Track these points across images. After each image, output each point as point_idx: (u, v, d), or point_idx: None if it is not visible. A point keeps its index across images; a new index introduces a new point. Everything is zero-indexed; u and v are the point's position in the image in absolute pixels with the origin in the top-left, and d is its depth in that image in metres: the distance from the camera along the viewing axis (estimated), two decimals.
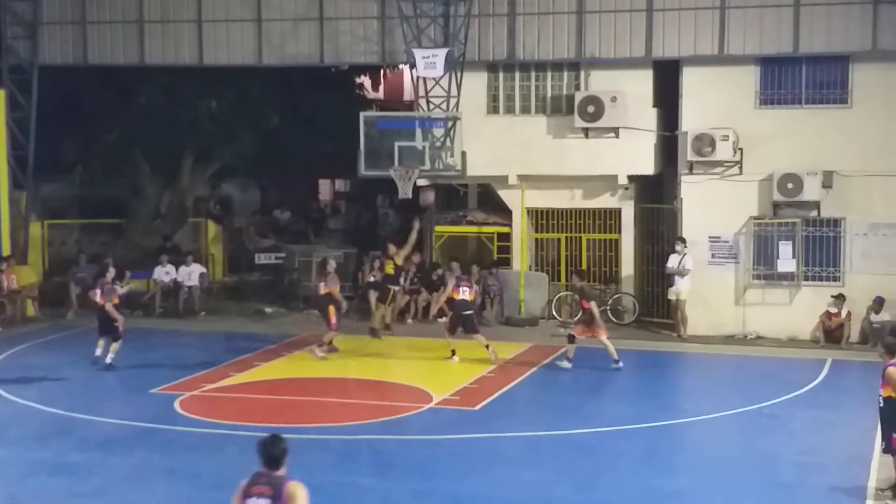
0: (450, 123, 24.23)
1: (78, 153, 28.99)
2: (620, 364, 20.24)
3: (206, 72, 27.36)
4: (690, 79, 24.08)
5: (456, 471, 14.30)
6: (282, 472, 8.53)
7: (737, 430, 16.89)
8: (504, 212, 26.13)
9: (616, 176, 24.84)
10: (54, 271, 28.27)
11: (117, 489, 13.62)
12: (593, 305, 20.39)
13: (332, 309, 21.32)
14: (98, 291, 20.34)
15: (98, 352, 20.16)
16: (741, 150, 23.60)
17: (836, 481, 13.78)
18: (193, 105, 28.72)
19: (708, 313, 23.79)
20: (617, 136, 24.59)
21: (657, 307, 25.19)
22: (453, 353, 20.97)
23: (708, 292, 23.75)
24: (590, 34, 24.31)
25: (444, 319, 21.89)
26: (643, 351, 22.83)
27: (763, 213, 23.77)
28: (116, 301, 20.21)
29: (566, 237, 25.81)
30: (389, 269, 23.42)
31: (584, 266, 25.47)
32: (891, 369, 12.87)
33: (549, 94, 25.22)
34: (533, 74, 25.27)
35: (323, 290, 21.71)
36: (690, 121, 23.94)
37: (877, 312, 22.71)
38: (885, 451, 13.29)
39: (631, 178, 24.96)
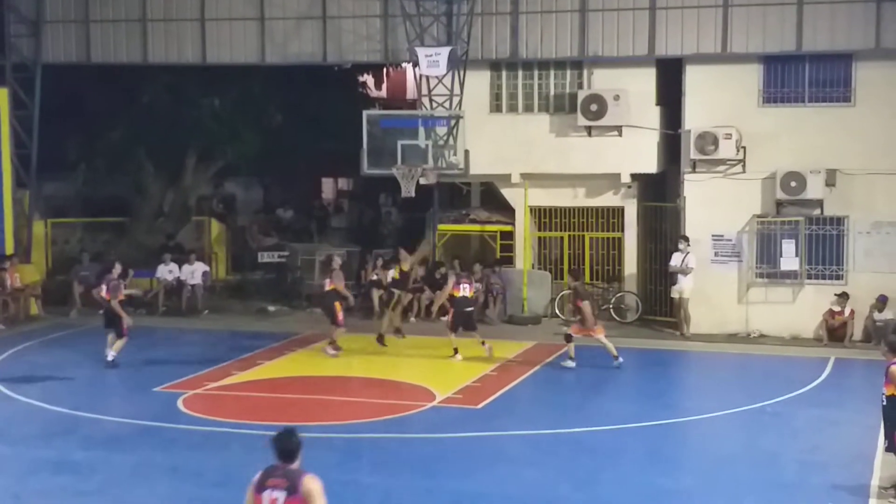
0: (453, 122, 24.24)
1: (81, 152, 29.01)
2: (621, 360, 20.24)
3: (210, 70, 27.38)
4: (693, 77, 24.07)
5: (458, 469, 14.31)
6: (296, 465, 8.60)
7: (739, 429, 16.89)
8: (507, 210, 26.13)
9: (619, 174, 24.83)
10: (57, 270, 28.31)
11: (120, 487, 13.63)
12: (585, 305, 20.37)
13: (338, 305, 21.38)
14: (104, 287, 20.45)
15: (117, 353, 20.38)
16: (744, 148, 23.59)
17: (838, 480, 13.77)
18: (196, 104, 28.75)
19: (711, 312, 23.78)
20: (620, 135, 24.59)
21: (660, 306, 25.18)
22: (456, 351, 20.98)
23: (711, 291, 23.75)
24: (593, 32, 24.31)
25: (446, 318, 21.83)
26: (646, 349, 22.83)
27: (766, 212, 23.76)
28: (122, 298, 20.37)
29: (569, 235, 25.81)
30: (395, 274, 23.46)
31: (587, 264, 25.54)
32: (894, 367, 12.85)
33: (551, 93, 25.21)
34: (536, 73, 25.28)
35: (328, 286, 21.74)
36: (693, 119, 23.93)
37: (880, 311, 22.70)
38: (888, 449, 13.29)
39: (634, 176, 24.95)
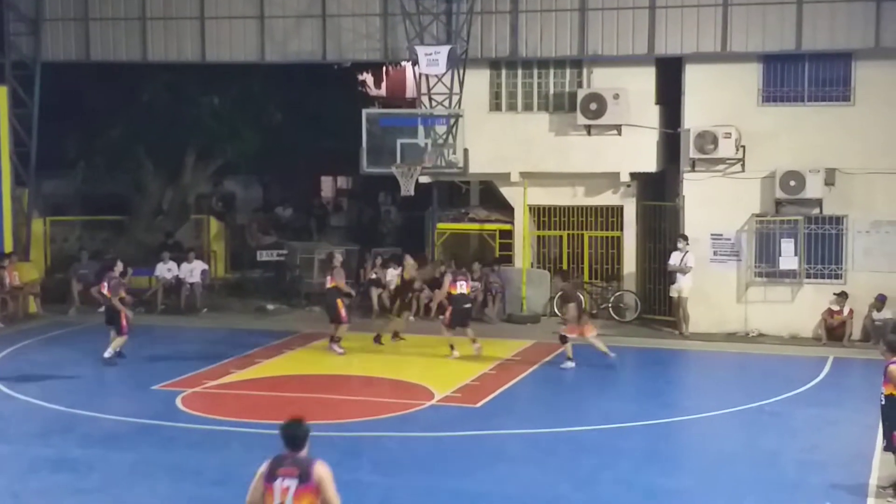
0: (452, 120, 24.23)
1: (80, 150, 29.01)
2: (613, 355, 20.25)
3: (209, 69, 27.38)
4: (693, 76, 24.07)
5: (458, 468, 14.30)
6: (304, 452, 8.72)
7: (738, 428, 16.89)
8: (506, 209, 26.14)
9: (618, 173, 24.83)
10: (56, 268, 28.31)
11: (119, 486, 13.63)
12: (571, 308, 20.41)
13: (339, 302, 21.41)
14: (105, 284, 20.55)
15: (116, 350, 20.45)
16: (743, 147, 23.59)
17: (837, 479, 13.78)
18: (196, 102, 28.74)
19: (710, 311, 23.78)
20: (619, 134, 24.59)
21: (659, 304, 25.18)
22: (452, 347, 21.00)
23: (710, 290, 23.75)
24: (592, 31, 24.31)
25: (443, 315, 21.79)
26: (645, 348, 22.85)
27: (765, 211, 23.76)
28: (123, 296, 20.44)
29: (568, 234, 25.81)
30: (397, 281, 23.51)
31: (586, 263, 25.57)
32: (892, 367, 12.87)
33: (551, 92, 25.21)
34: (535, 71, 25.27)
35: (329, 283, 21.77)
36: (693, 118, 23.93)
37: (879, 310, 22.70)
38: (887, 448, 13.30)
39: (633, 175, 24.95)
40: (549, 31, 24.57)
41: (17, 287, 25.50)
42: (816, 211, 23.48)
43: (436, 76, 24.49)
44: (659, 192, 25.75)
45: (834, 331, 22.99)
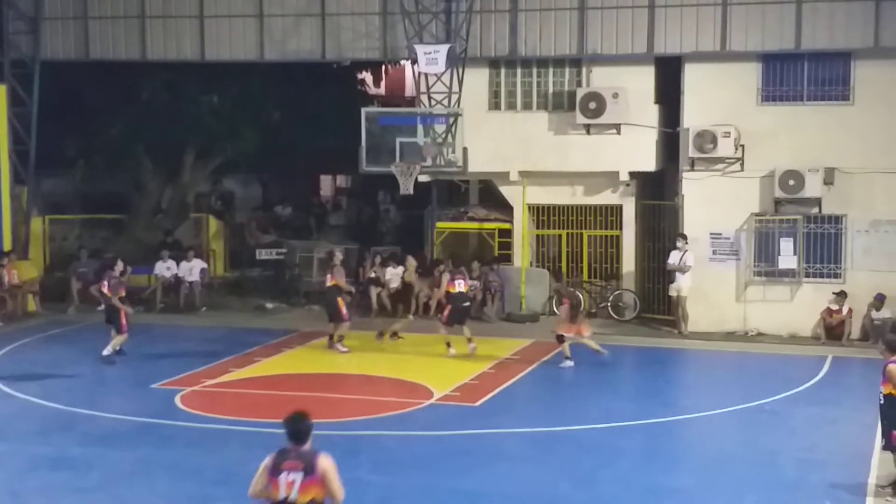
0: (451, 119, 24.23)
1: (79, 148, 29.00)
2: (605, 352, 20.30)
3: (208, 67, 27.37)
4: (692, 75, 24.07)
5: (457, 467, 14.30)
6: (307, 446, 8.84)
7: (737, 427, 16.90)
8: (505, 208, 26.14)
9: (617, 172, 24.82)
10: (55, 266, 28.30)
11: (118, 484, 13.63)
12: (563, 310, 20.47)
13: (340, 301, 21.43)
14: (105, 283, 20.60)
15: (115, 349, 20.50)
16: (743, 146, 23.60)
17: (836, 478, 13.78)
18: (195, 101, 28.74)
19: (709, 310, 23.78)
20: (618, 133, 24.58)
21: (658, 304, 25.18)
22: (449, 345, 21.02)
23: (709, 289, 23.75)
24: (591, 30, 24.31)
25: (441, 314, 21.73)
26: (644, 347, 22.86)
27: (764, 210, 23.77)
28: (123, 295, 20.51)
29: (567, 233, 25.80)
30: (399, 285, 23.53)
31: (585, 262, 25.56)
32: (891, 366, 12.86)
33: (550, 91, 25.21)
34: (534, 71, 25.27)
35: (329, 281, 21.78)
36: (692, 117, 23.93)
37: (878, 309, 22.70)
38: (886, 447, 13.29)
39: (632, 174, 24.94)
40: (549, 30, 24.56)
41: (17, 285, 25.50)
42: (815, 210, 23.49)
43: (435, 75, 24.49)
44: (658, 191, 25.76)
45: (833, 330, 23.00)
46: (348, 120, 25.62)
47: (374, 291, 25.73)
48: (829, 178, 23.14)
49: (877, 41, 22.75)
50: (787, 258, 23.54)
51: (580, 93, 24.44)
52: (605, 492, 13.51)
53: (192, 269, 26.81)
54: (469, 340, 21.05)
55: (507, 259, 26.08)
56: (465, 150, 24.18)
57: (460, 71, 24.42)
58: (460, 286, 21.35)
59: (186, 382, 18.86)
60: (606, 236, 25.60)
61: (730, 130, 23.42)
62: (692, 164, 23.96)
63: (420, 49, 24.15)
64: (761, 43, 23.45)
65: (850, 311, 22.90)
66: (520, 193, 25.36)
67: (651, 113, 24.64)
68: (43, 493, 13.32)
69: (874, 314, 22.72)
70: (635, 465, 14.57)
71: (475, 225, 26.85)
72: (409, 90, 34.30)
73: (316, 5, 25.63)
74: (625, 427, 16.40)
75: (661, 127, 24.73)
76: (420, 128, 24.36)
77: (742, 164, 23.71)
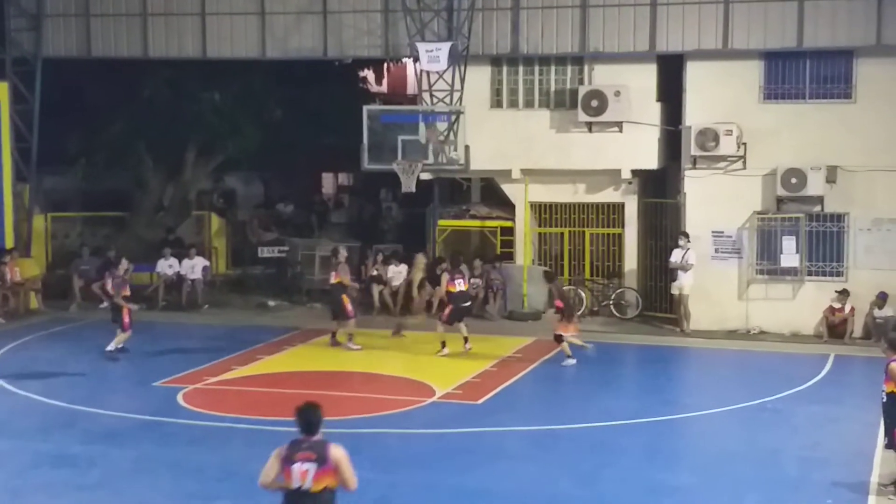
0: (453, 117, 24.23)
1: (81, 146, 28.98)
2: (589, 346, 20.32)
3: (210, 65, 27.34)
4: (694, 73, 24.05)
5: (459, 465, 14.30)
6: (318, 437, 9.10)
7: (739, 426, 16.89)
8: (507, 206, 26.12)
9: (619, 170, 24.80)
10: (57, 264, 28.31)
11: (120, 482, 13.64)
12: (556, 308, 20.49)
13: (345, 298, 21.43)
14: (109, 282, 20.76)
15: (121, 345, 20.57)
16: (745, 144, 23.58)
17: (838, 477, 13.78)
18: (197, 98, 28.74)
19: (711, 308, 23.77)
20: (620, 131, 24.57)
21: (660, 302, 25.16)
22: (444, 345, 21.03)
23: (711, 287, 23.74)
24: (593, 28, 24.29)
25: (442, 313, 21.71)
26: (646, 346, 22.86)
27: (766, 208, 23.76)
28: (126, 293, 20.54)
29: (569, 231, 25.79)
30: (406, 287, 23.61)
31: (587, 260, 25.55)
32: (894, 365, 12.86)
33: (552, 89, 25.19)
34: (536, 68, 25.25)
35: (334, 279, 21.79)
36: (694, 115, 23.92)
37: (880, 308, 22.69)
38: (888, 446, 13.29)
39: (634, 172, 24.93)
40: (551, 27, 24.55)
41: (19, 283, 25.51)
42: (818, 208, 23.47)
43: (437, 73, 24.48)
44: (660, 189, 25.74)
45: (835, 328, 22.99)
46: (350, 118, 25.61)
47: (376, 289, 25.75)
48: (831, 176, 23.12)
49: (879, 39, 22.74)
50: (790, 256, 23.53)
51: (582, 91, 24.42)
52: (606, 490, 13.50)
53: (193, 267, 26.81)
54: (465, 340, 21.06)
55: (509, 257, 26.06)
56: (466, 147, 24.18)
57: (462, 69, 24.40)
58: (460, 286, 21.36)
59: (188, 380, 18.87)
60: (608, 234, 25.59)
61: (732, 128, 23.41)
62: (694, 162, 23.95)
63: (422, 47, 24.14)
64: (763, 41, 23.43)
65: (853, 309, 22.89)
66: (522, 191, 25.34)
67: (653, 111, 24.63)
68: (44, 491, 13.32)
69: (876, 312, 22.71)
70: (637, 464, 14.56)
71: (477, 223, 26.83)
72: (411, 88, 34.24)
73: (318, 3, 25.63)
74: (626, 425, 16.40)
75: (663, 125, 24.71)
76: (422, 126, 24.37)
77: (744, 163, 23.69)
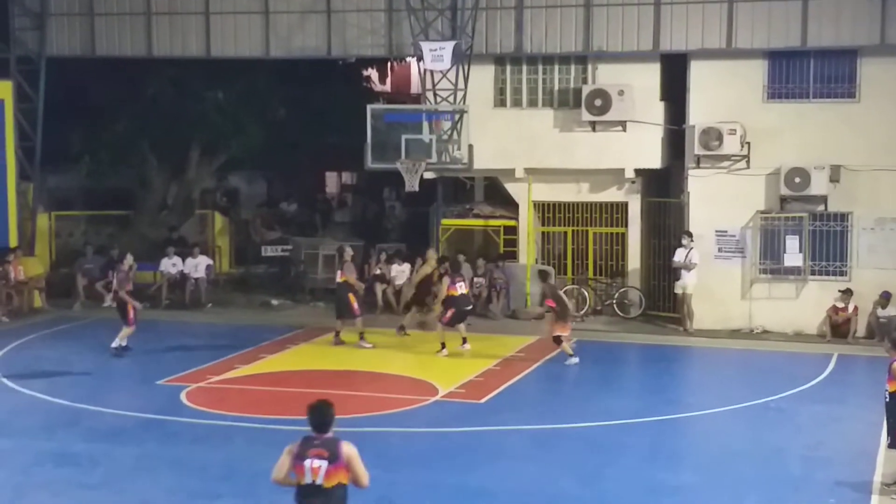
0: (457, 116, 24.23)
1: (85, 145, 29.00)
2: (576, 359, 20.21)
3: (214, 64, 27.35)
4: (698, 72, 24.04)
5: (461, 464, 14.31)
6: (330, 434, 9.23)
7: (743, 425, 16.88)
8: (511, 205, 26.12)
9: (623, 169, 24.79)
10: (61, 262, 28.35)
11: (123, 480, 13.65)
12: (549, 316, 20.55)
13: (351, 297, 21.46)
14: (114, 277, 20.83)
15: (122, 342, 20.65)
16: (748, 144, 23.57)
17: (841, 476, 13.77)
18: (201, 97, 28.75)
19: (714, 307, 23.76)
20: (624, 130, 24.56)
21: (663, 301, 25.14)
22: (443, 345, 21.02)
23: (714, 286, 23.73)
24: (597, 27, 24.29)
25: (444, 314, 21.68)
26: (649, 345, 22.85)
27: (770, 208, 23.74)
28: (129, 289, 20.62)
29: (573, 231, 25.78)
30: (418, 277, 23.57)
31: (591, 259, 25.54)
32: None
33: (556, 88, 25.18)
34: (540, 68, 25.24)
35: (339, 278, 21.80)
36: (698, 114, 23.90)
37: (883, 307, 22.67)
38: (891, 446, 13.29)
39: (638, 171, 24.91)
40: (554, 26, 24.55)
41: (22, 282, 25.54)
42: (821, 208, 23.45)
43: (440, 72, 24.48)
44: (664, 188, 25.72)
45: (839, 328, 22.97)
46: (354, 117, 25.60)
47: (379, 288, 25.75)
48: (834, 175, 23.10)
49: (883, 38, 22.72)
50: (793, 256, 23.52)
51: (586, 90, 24.42)
52: (609, 489, 13.50)
53: (197, 266, 26.83)
54: (464, 341, 21.07)
55: (513, 256, 26.05)
56: (470, 146, 24.18)
57: (466, 68, 24.41)
58: (461, 288, 21.36)
59: (191, 379, 18.88)
60: (612, 233, 25.58)
61: (736, 128, 23.40)
62: (698, 161, 23.94)
63: (426, 46, 24.14)
64: (767, 40, 23.42)
65: (856, 308, 22.88)
66: (525, 190, 25.34)
67: (657, 110, 24.62)
68: (47, 489, 13.34)
69: (880, 312, 22.70)
70: (639, 463, 14.55)
71: (480, 222, 26.83)
72: (415, 87, 34.30)
73: (321, 2, 25.64)
74: (629, 424, 16.40)
75: (666, 124, 24.70)
76: (425, 124, 24.36)
77: (748, 162, 23.68)
